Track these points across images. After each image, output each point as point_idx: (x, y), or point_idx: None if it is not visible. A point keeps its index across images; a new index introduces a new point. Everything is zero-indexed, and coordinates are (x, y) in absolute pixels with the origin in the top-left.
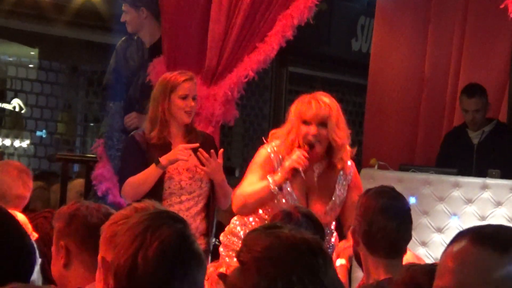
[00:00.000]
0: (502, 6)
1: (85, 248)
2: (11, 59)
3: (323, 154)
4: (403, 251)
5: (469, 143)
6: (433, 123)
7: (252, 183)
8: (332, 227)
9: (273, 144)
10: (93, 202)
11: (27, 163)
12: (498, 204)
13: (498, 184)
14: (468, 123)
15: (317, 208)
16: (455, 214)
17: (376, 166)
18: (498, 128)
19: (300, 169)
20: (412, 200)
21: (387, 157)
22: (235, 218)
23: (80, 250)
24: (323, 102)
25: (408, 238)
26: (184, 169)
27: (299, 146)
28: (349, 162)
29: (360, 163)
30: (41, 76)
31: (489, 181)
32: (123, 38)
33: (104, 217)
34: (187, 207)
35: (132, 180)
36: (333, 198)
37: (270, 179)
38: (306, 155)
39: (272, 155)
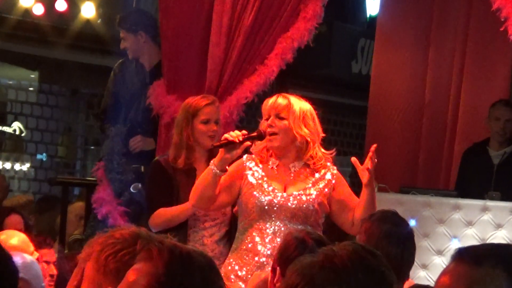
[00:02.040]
0: (502, 29)
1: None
2: (11, 82)
3: (296, 154)
4: (406, 276)
5: (489, 163)
6: (434, 145)
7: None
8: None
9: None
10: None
11: (28, 186)
12: (499, 226)
13: (498, 206)
14: (497, 133)
15: (293, 189)
16: (455, 237)
17: (376, 189)
18: None
19: (232, 141)
20: (412, 223)
21: (388, 180)
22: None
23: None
24: (282, 97)
25: (411, 263)
26: None
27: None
28: (335, 170)
29: (360, 185)
30: (41, 99)
31: (489, 203)
32: (120, 61)
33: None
34: (210, 233)
35: (164, 213)
36: (310, 189)
37: (211, 164)
38: (244, 132)
39: (245, 159)
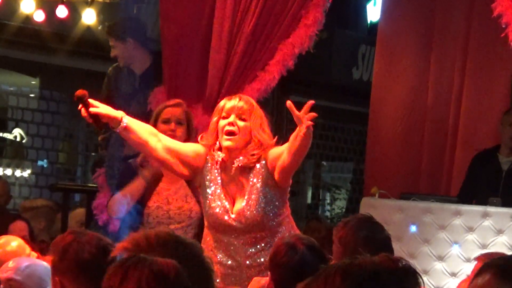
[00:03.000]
0: (502, 35)
1: (78, 285)
2: (12, 88)
3: (241, 150)
4: None
5: (498, 168)
6: (435, 151)
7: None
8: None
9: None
10: (88, 232)
11: (28, 192)
12: (499, 232)
13: (499, 212)
14: (510, 139)
15: (239, 203)
16: (456, 242)
17: (377, 195)
18: None
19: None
20: (413, 229)
21: (388, 186)
22: None
23: (74, 287)
24: (241, 98)
25: None
26: (174, 199)
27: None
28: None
29: (361, 191)
30: (42, 106)
31: (490, 209)
32: (114, 66)
33: (97, 251)
34: None
35: (117, 196)
36: (246, 195)
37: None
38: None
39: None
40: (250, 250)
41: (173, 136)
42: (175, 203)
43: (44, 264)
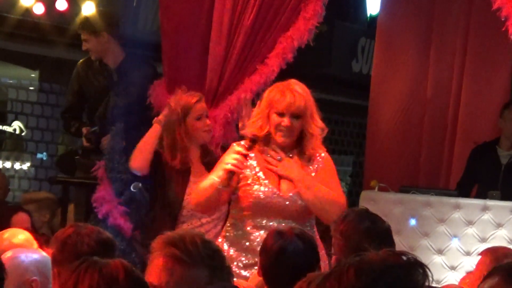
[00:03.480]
0: (503, 29)
1: None
2: (11, 81)
3: (294, 143)
4: None
5: (497, 162)
6: (434, 145)
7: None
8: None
9: (242, 142)
10: (89, 226)
11: (28, 185)
12: (499, 225)
13: (499, 206)
14: (508, 135)
15: (289, 192)
16: (455, 236)
17: (376, 188)
18: None
19: (236, 170)
20: (412, 222)
21: (388, 179)
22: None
23: None
24: (298, 94)
25: None
26: None
27: (267, 133)
28: (323, 154)
29: (361, 184)
30: (42, 98)
31: (490, 202)
32: (83, 60)
33: (96, 244)
34: (206, 229)
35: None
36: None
37: (215, 177)
38: (244, 152)
39: (236, 147)
40: None
41: (209, 132)
42: None
43: (35, 256)
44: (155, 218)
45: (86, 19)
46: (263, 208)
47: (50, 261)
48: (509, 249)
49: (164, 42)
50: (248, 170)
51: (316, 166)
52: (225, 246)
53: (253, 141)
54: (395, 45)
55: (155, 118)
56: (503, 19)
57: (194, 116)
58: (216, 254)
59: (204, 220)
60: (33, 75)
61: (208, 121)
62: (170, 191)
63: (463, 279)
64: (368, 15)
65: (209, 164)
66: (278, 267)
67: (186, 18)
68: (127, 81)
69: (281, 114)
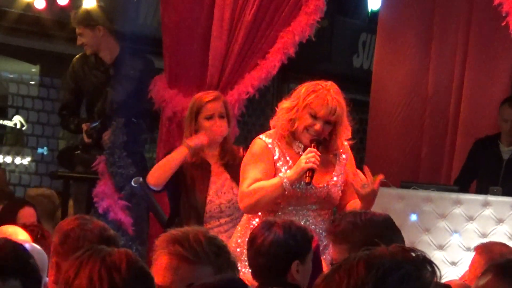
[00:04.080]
0: (503, 24)
1: None
2: (12, 76)
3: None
4: None
5: (499, 157)
6: (436, 140)
7: (257, 179)
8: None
9: (268, 133)
10: (94, 221)
11: (28, 180)
12: (500, 221)
13: (499, 201)
14: (505, 134)
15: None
16: (456, 231)
17: None
18: None
19: (316, 167)
20: (413, 217)
21: (389, 174)
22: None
23: None
24: (337, 102)
25: None
26: (222, 192)
27: (293, 131)
28: (344, 142)
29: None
30: (43, 93)
31: (491, 198)
32: (79, 56)
33: (98, 241)
34: (225, 229)
35: (158, 163)
36: (334, 177)
37: (284, 178)
38: (319, 153)
39: (270, 145)
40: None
41: (221, 131)
42: (224, 197)
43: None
44: (181, 223)
45: (81, 13)
46: (297, 199)
47: (49, 251)
48: (504, 246)
49: (165, 37)
50: (280, 161)
51: (344, 156)
52: None
53: (319, 142)
54: (397, 40)
55: (185, 140)
56: (504, 15)
57: (204, 115)
58: (221, 251)
59: (222, 220)
60: (34, 70)
61: (219, 122)
62: (193, 192)
63: (462, 277)
64: (369, 10)
65: (228, 165)
66: (256, 257)
67: (187, 13)
68: (123, 76)
69: (315, 117)
